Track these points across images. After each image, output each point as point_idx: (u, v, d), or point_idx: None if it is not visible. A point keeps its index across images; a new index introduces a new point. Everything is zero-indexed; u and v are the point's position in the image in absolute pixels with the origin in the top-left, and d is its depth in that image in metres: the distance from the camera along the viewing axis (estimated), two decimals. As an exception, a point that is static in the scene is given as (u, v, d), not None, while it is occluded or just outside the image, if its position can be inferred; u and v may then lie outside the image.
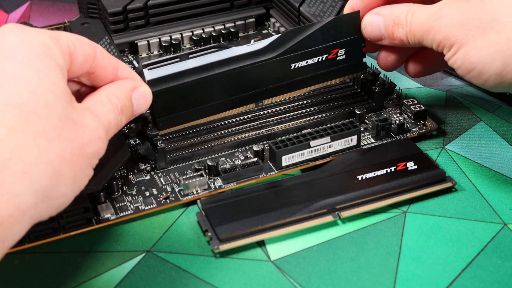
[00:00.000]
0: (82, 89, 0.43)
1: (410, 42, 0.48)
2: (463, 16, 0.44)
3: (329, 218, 0.45)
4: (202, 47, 0.49)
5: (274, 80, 0.50)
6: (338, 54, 0.52)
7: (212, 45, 0.50)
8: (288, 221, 0.45)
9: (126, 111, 0.42)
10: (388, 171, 0.48)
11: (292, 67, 0.50)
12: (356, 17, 0.50)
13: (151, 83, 0.46)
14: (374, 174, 0.48)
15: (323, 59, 0.51)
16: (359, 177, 0.48)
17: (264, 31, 0.67)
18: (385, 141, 0.52)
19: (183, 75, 0.48)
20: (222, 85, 0.49)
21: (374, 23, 0.49)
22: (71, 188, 0.36)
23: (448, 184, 0.48)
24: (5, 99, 0.35)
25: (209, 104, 0.49)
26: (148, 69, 0.47)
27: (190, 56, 0.49)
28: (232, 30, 0.64)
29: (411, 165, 0.49)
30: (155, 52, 0.63)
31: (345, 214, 0.46)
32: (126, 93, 0.43)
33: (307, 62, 0.51)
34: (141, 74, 0.47)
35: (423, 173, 0.48)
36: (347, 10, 0.51)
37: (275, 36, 0.50)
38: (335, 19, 0.50)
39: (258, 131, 0.52)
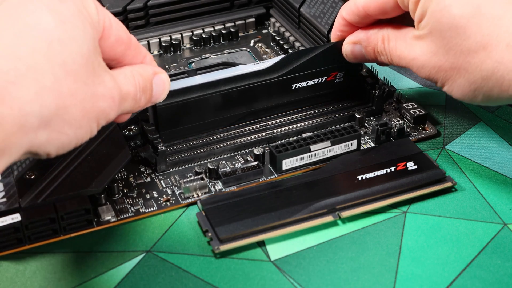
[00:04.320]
0: None
1: (397, 65, 0.48)
2: (436, 58, 0.44)
3: (329, 218, 0.45)
4: (210, 64, 0.50)
5: (275, 99, 0.52)
6: (337, 77, 0.53)
7: (219, 62, 0.50)
8: (288, 221, 0.45)
9: (146, 92, 0.42)
10: (388, 171, 0.48)
11: (293, 87, 0.52)
12: None
13: None
14: (374, 174, 0.48)
15: (322, 80, 0.53)
16: (359, 177, 0.48)
17: (264, 31, 0.67)
18: (385, 144, 0.52)
19: (190, 91, 0.49)
20: (225, 102, 0.50)
21: (355, 52, 0.50)
22: (74, 131, 0.36)
23: (448, 184, 0.48)
24: (33, 22, 0.34)
25: (212, 119, 0.51)
26: None
27: (198, 72, 0.50)
28: (232, 30, 0.64)
29: (411, 165, 0.49)
30: (155, 52, 0.63)
31: (345, 214, 0.46)
32: (149, 75, 0.42)
33: (307, 83, 0.52)
34: None
35: (423, 173, 0.48)
36: (333, 37, 0.51)
37: (280, 57, 0.51)
38: (337, 42, 0.51)
39: (258, 134, 0.52)
